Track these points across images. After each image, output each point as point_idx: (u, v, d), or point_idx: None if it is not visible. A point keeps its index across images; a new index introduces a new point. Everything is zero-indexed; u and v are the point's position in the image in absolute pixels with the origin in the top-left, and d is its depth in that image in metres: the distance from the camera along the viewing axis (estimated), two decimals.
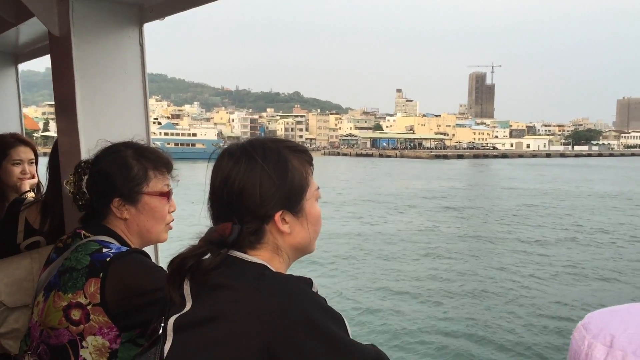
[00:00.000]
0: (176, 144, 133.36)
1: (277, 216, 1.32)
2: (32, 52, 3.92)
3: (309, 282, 1.26)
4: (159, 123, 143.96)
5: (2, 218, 2.58)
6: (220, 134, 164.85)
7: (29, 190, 3.11)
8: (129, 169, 1.88)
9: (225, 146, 1.41)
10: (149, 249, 2.09)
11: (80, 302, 1.69)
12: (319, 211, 1.42)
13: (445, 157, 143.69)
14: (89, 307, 1.68)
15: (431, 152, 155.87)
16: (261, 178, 1.31)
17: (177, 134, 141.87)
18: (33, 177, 3.17)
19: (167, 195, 1.96)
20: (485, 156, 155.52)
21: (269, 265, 1.30)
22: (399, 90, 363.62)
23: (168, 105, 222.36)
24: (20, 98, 4.21)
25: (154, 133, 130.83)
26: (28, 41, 3.66)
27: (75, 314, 1.69)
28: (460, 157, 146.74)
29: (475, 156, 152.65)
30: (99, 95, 2.41)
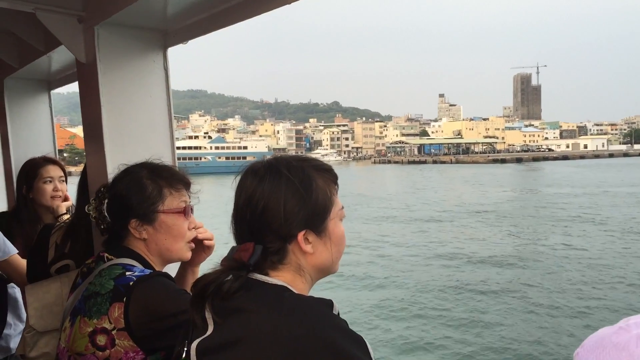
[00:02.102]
0: (227, 158, 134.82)
1: (300, 236, 1.31)
2: (63, 79, 4.08)
3: (329, 304, 1.25)
4: (209, 137, 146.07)
5: (33, 242, 2.66)
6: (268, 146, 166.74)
7: (65, 213, 3.23)
8: (144, 189, 1.91)
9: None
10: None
11: (105, 327, 1.71)
12: (343, 231, 1.40)
13: (503, 160, 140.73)
14: (114, 332, 1.70)
15: (488, 156, 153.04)
16: (285, 197, 1.30)
17: (228, 148, 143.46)
18: (66, 196, 3.32)
19: (184, 212, 1.96)
20: (545, 158, 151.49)
21: (290, 287, 1.29)
22: (441, 95, 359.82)
23: (211, 120, 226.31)
24: (53, 122, 4.38)
25: (205, 147, 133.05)
26: (60, 68, 3.81)
27: (101, 340, 1.71)
28: (518, 160, 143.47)
29: (534, 159, 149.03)
30: (125, 119, 2.47)
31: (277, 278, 1.30)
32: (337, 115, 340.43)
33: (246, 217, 1.33)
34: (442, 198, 50.07)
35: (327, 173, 1.39)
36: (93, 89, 2.42)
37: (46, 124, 4.36)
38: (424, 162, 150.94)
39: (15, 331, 3.01)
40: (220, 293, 1.25)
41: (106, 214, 1.95)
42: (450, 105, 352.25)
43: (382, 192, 58.45)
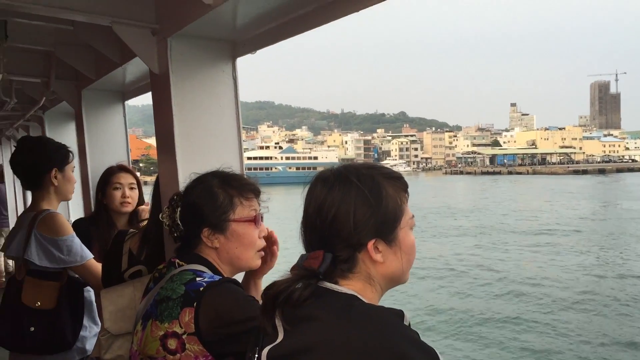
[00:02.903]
0: (297, 168, 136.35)
1: (370, 245, 1.31)
2: (137, 90, 4.26)
3: (400, 314, 1.25)
4: (280, 147, 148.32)
5: (108, 248, 2.78)
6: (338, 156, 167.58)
7: (140, 221, 3.37)
8: (215, 198, 1.96)
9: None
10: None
11: (176, 331, 1.76)
12: (414, 240, 1.40)
13: (584, 171, 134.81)
14: (184, 337, 1.74)
15: (567, 167, 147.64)
16: (355, 205, 1.31)
17: (298, 158, 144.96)
18: (136, 202, 3.48)
19: (254, 220, 2.00)
20: (630, 169, 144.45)
21: (360, 296, 1.29)
22: (513, 104, 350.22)
23: (280, 130, 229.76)
24: (127, 132, 4.59)
25: (275, 158, 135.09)
26: (133, 79, 3.98)
27: (172, 343, 1.76)
28: (601, 171, 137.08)
29: (619, 170, 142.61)
30: (196, 129, 2.54)
31: (347, 287, 1.31)
32: (405, 125, 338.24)
33: (316, 225, 1.34)
34: (538, 209, 47.83)
35: (397, 181, 1.39)
36: (166, 99, 2.51)
37: (120, 133, 4.56)
38: (499, 173, 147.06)
39: (90, 333, 3.14)
40: (291, 301, 1.27)
41: (179, 222, 2.01)
42: (523, 114, 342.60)
43: (465, 203, 57.08)
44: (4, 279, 9.88)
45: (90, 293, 3.22)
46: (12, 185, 9.41)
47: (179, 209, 2.02)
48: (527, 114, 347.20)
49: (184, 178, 2.42)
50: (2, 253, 9.96)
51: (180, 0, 2.34)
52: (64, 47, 3.82)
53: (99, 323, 3.23)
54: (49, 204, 3.19)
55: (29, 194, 7.48)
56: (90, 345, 3.12)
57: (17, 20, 3.08)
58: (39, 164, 3.15)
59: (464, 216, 44.54)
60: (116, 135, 4.52)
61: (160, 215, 2.10)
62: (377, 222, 1.31)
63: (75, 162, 3.48)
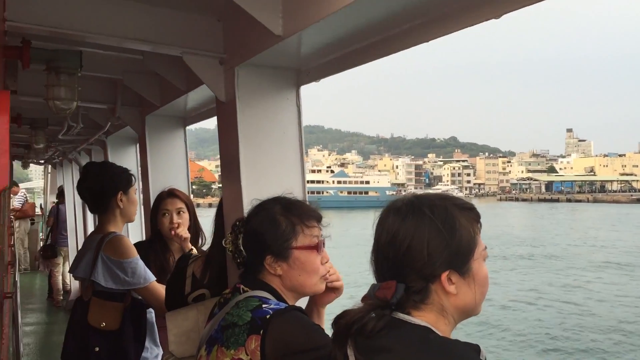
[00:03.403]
0: (348, 192, 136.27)
1: (444, 276, 1.32)
2: (197, 116, 4.42)
3: (477, 349, 1.24)
4: (332, 171, 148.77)
5: (172, 271, 2.86)
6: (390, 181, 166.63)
7: (191, 249, 3.46)
8: (278, 226, 1.97)
9: (391, 200, 1.44)
10: None
11: (241, 358, 1.77)
12: (487, 272, 1.39)
13: None
14: None
15: (631, 195, 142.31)
16: (429, 236, 1.32)
17: (350, 182, 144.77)
18: (187, 225, 3.56)
19: (316, 247, 2.00)
20: None
21: (433, 328, 1.29)
22: (569, 130, 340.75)
23: (329, 154, 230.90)
24: (187, 156, 4.75)
25: (327, 182, 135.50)
26: (195, 106, 4.12)
27: None
28: None
29: None
30: (260, 155, 2.62)
31: (420, 318, 1.31)
32: (456, 150, 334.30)
33: (388, 256, 1.35)
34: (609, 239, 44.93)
35: (470, 212, 1.39)
36: (232, 126, 2.59)
37: (181, 157, 4.72)
38: (557, 200, 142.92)
39: (151, 354, 3.22)
40: (365, 331, 1.27)
41: (242, 248, 2.03)
42: (580, 140, 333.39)
43: (528, 231, 54.75)
44: (61, 297, 10.23)
45: (151, 315, 3.31)
46: (72, 206, 9.76)
47: (241, 235, 2.04)
48: (584, 140, 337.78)
49: (248, 204, 2.48)
50: (60, 273, 10.40)
51: (249, 31, 2.44)
52: (131, 75, 4.02)
53: (159, 345, 3.31)
54: (115, 227, 3.32)
55: (88, 215, 7.80)
56: None
57: (91, 51, 3.25)
58: (105, 188, 3.29)
59: (530, 245, 42.47)
60: (177, 159, 4.68)
61: (223, 241, 2.14)
62: (451, 253, 1.32)
63: (137, 184, 3.63)
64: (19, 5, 2.39)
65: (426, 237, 1.31)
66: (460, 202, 1.41)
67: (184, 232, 3.51)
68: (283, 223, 1.98)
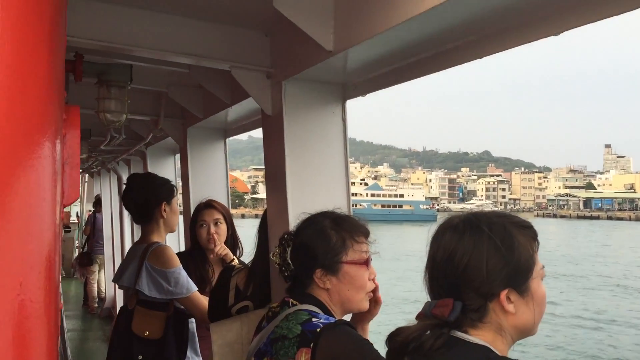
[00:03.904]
0: (382, 206, 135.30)
1: (503, 295, 1.32)
2: (237, 128, 4.52)
3: None
4: (366, 184, 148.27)
5: (215, 283, 2.92)
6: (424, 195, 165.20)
7: (232, 260, 3.53)
8: (328, 240, 2.00)
9: (438, 218, 1.47)
10: None
11: None
12: (545, 291, 1.39)
13: None
14: None
15: None
16: (487, 254, 1.32)
17: (384, 195, 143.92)
18: (225, 236, 3.64)
19: (366, 263, 2.03)
20: None
21: (492, 348, 1.30)
22: (607, 146, 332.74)
23: (361, 167, 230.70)
24: (227, 167, 4.85)
25: (361, 194, 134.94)
26: (236, 118, 4.21)
27: None
28: None
29: None
30: (306, 169, 2.67)
31: (478, 337, 1.31)
32: (490, 165, 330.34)
33: (446, 274, 1.36)
34: None
35: (528, 230, 1.39)
36: (278, 139, 2.65)
37: (221, 168, 4.82)
38: (597, 218, 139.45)
39: None
40: (422, 350, 1.28)
41: (290, 261, 2.06)
42: (618, 156, 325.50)
43: (579, 249, 52.10)
44: (96, 305, 10.44)
45: (193, 324, 3.37)
46: (109, 214, 9.97)
47: (289, 248, 2.07)
48: (623, 156, 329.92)
49: (293, 216, 2.53)
50: (96, 280, 10.61)
51: (298, 46, 2.49)
52: (176, 88, 4.13)
53: (200, 354, 3.37)
54: (158, 237, 3.41)
55: (125, 224, 7.96)
56: None
57: (138, 64, 3.36)
58: (149, 199, 3.39)
59: (586, 265, 40.08)
60: (217, 170, 4.78)
61: (271, 254, 2.19)
62: (510, 272, 1.32)
63: (179, 195, 3.72)
64: (73, 20, 2.49)
65: (485, 255, 1.32)
66: (517, 220, 1.41)
67: (221, 249, 3.58)
68: (333, 237, 2.01)
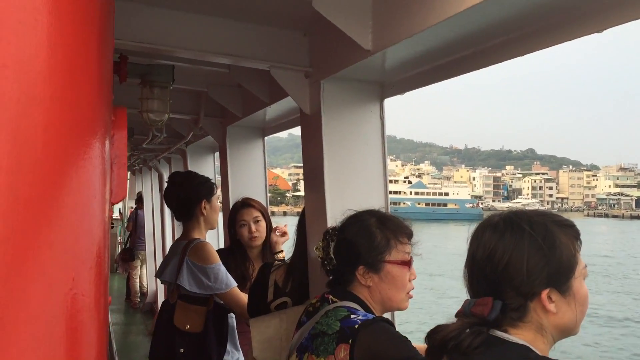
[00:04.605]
0: (426, 204, 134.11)
1: (544, 294, 1.32)
2: (276, 127, 4.59)
3: None
4: (409, 182, 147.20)
5: (254, 279, 2.99)
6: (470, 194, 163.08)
7: (281, 251, 3.60)
8: (373, 238, 2.05)
9: (484, 217, 1.47)
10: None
11: None
12: (587, 291, 1.39)
13: None
14: None
15: None
16: (528, 253, 1.32)
17: (428, 193, 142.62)
18: (265, 233, 3.72)
19: (408, 264, 2.07)
20: None
21: (532, 347, 1.30)
22: None
23: (403, 165, 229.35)
24: (265, 165, 4.93)
25: (404, 193, 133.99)
26: (274, 117, 4.28)
27: None
28: None
29: None
30: (344, 167, 2.71)
31: (518, 336, 1.32)
32: (535, 163, 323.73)
33: (485, 272, 1.37)
34: None
35: (570, 229, 1.39)
36: (316, 138, 2.70)
37: (259, 166, 4.90)
38: None
39: (232, 358, 3.38)
40: (461, 348, 1.29)
41: (332, 256, 2.12)
42: None
43: None
44: (138, 299, 10.71)
45: (233, 319, 3.46)
46: (151, 211, 10.20)
47: (333, 243, 2.13)
48: None
49: (331, 214, 2.58)
50: (138, 275, 10.88)
51: (336, 46, 2.53)
52: (215, 88, 4.22)
53: (240, 349, 3.46)
54: (199, 233, 3.51)
55: (166, 220, 8.14)
56: None
57: (179, 64, 3.46)
58: (190, 197, 3.48)
59: None
60: (256, 168, 4.86)
61: (314, 248, 2.24)
62: (551, 271, 1.32)
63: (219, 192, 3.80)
64: (118, 24, 2.59)
65: (526, 254, 1.32)
66: (559, 218, 1.41)
67: (278, 246, 3.65)
68: (378, 236, 2.05)
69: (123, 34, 2.64)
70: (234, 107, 4.30)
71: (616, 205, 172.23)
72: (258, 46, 2.86)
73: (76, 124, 0.78)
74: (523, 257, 1.32)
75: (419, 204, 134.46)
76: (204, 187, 3.56)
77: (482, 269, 1.38)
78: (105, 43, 1.06)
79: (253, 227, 3.72)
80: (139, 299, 10.89)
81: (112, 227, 14.79)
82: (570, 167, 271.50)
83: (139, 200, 11.49)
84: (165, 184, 3.73)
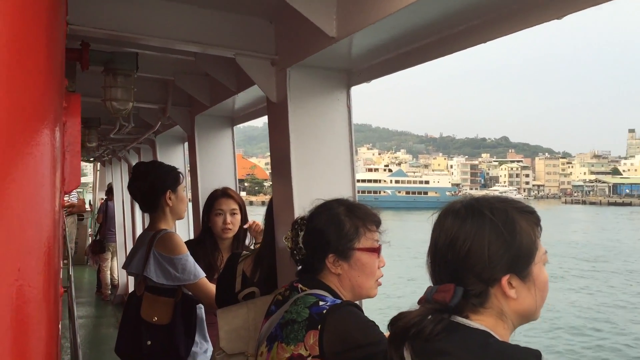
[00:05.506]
0: (407, 192, 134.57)
1: (505, 280, 1.34)
2: (245, 116, 4.60)
3: (537, 355, 1.25)
4: (390, 170, 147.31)
5: (222, 269, 3.00)
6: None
7: (254, 243, 3.60)
8: (342, 226, 2.07)
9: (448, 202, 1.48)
10: None
11: (301, 353, 1.88)
12: (547, 276, 1.41)
13: None
14: (309, 359, 1.86)
15: None
16: (490, 239, 1.34)
17: (408, 182, 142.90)
18: (238, 227, 3.71)
19: (377, 251, 2.11)
20: None
21: (493, 333, 1.32)
22: (631, 130, 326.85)
23: (380, 154, 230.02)
24: (234, 155, 4.93)
25: (385, 181, 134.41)
26: (243, 106, 4.29)
27: None
28: None
29: None
30: (310, 155, 2.72)
31: (479, 322, 1.34)
32: (510, 150, 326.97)
33: (447, 259, 1.38)
34: None
35: (530, 215, 1.41)
36: (283, 126, 2.71)
37: (229, 156, 4.90)
38: (629, 204, 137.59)
39: (201, 349, 3.38)
40: (423, 334, 1.31)
41: (302, 245, 2.14)
42: None
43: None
44: (109, 292, 10.66)
45: (201, 310, 3.46)
46: (121, 203, 10.13)
47: (302, 232, 2.15)
48: None
49: (299, 203, 2.60)
50: (109, 267, 10.81)
51: (302, 33, 2.54)
52: (182, 76, 4.20)
53: (209, 340, 3.47)
54: (165, 224, 3.49)
55: (136, 212, 8.10)
56: None
57: (145, 52, 3.43)
58: (154, 187, 3.45)
59: None
60: (225, 158, 4.86)
61: (283, 238, 2.26)
62: (512, 257, 1.34)
63: (187, 183, 3.78)
64: (79, 9, 2.55)
65: (487, 240, 1.34)
66: (520, 205, 1.43)
67: (259, 237, 3.65)
68: (347, 224, 2.08)
69: (85, 21, 2.61)
70: (201, 96, 4.28)
71: (591, 192, 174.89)
72: (223, 34, 2.86)
73: (21, 111, 0.78)
74: (484, 243, 1.34)
75: (399, 192, 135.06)
76: (168, 177, 3.52)
77: (444, 256, 1.40)
78: (55, 27, 1.05)
79: (229, 218, 3.72)
80: (109, 292, 10.81)
81: (82, 219, 14.64)
82: (546, 154, 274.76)
83: (109, 191, 11.39)
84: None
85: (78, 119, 1.40)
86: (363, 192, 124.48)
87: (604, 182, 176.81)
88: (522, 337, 1.43)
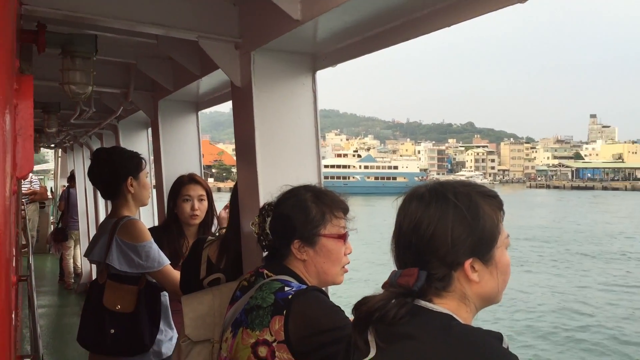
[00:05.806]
0: (376, 178, 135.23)
1: (467, 264, 1.35)
2: (210, 101, 4.54)
3: (499, 337, 1.27)
4: (359, 156, 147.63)
5: (187, 255, 2.97)
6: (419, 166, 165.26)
7: (221, 229, 3.57)
8: (308, 212, 2.07)
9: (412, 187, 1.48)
10: None
11: (266, 339, 1.88)
12: (509, 260, 1.42)
13: None
14: (274, 345, 1.86)
15: None
16: (453, 223, 1.35)
17: (377, 167, 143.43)
18: (204, 213, 3.69)
19: (343, 237, 2.11)
20: None
21: (455, 316, 1.33)
22: (592, 116, 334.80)
23: (348, 139, 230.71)
24: (199, 140, 4.87)
25: (354, 167, 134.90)
26: (207, 91, 4.23)
27: (262, 351, 1.88)
28: None
29: None
30: (276, 140, 2.70)
31: (442, 306, 1.35)
32: (476, 136, 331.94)
33: (411, 243, 1.39)
34: None
35: (493, 199, 1.43)
36: (247, 111, 2.68)
37: (194, 142, 4.84)
38: (591, 188, 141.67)
39: (165, 337, 3.34)
40: (387, 319, 1.32)
41: (268, 231, 2.13)
42: (604, 126, 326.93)
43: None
44: (72, 280, 10.51)
45: (166, 298, 3.43)
46: (83, 190, 9.97)
47: (269, 218, 2.14)
48: (609, 126, 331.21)
49: (264, 188, 2.58)
50: (71, 256, 10.65)
51: (266, 16, 2.51)
52: (145, 60, 4.12)
53: (174, 327, 3.44)
54: (128, 211, 3.43)
55: (99, 199, 7.97)
56: (165, 349, 3.32)
57: (105, 35, 3.34)
58: (115, 174, 3.38)
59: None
60: (190, 143, 4.80)
61: (250, 224, 2.24)
62: (474, 241, 1.35)
63: (151, 169, 3.72)
64: None
65: (450, 224, 1.35)
66: (483, 189, 1.44)
67: (225, 222, 3.61)
68: (313, 210, 2.08)
69: (41, 1, 2.53)
70: (164, 80, 4.21)
71: (554, 177, 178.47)
72: (186, 16, 2.79)
73: None
74: (447, 227, 1.35)
75: (368, 177, 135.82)
76: (130, 163, 3.45)
77: (408, 240, 1.40)
78: (5, 6, 1.01)
79: (197, 204, 3.69)
80: (72, 280, 10.66)
81: (44, 207, 14.37)
82: (511, 139, 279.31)
83: (71, 178, 11.20)
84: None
85: (30, 102, 1.35)
86: (332, 177, 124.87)
87: (567, 167, 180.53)
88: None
